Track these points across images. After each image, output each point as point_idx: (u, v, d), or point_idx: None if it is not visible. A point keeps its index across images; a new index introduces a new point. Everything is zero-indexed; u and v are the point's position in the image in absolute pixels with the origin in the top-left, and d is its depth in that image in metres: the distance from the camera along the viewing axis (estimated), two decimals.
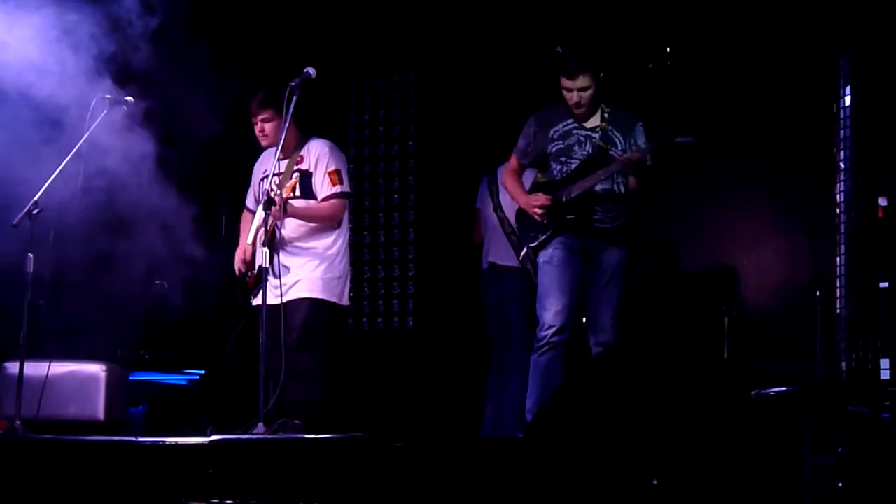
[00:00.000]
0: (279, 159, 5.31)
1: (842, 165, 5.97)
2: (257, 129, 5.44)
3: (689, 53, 7.13)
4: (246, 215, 5.72)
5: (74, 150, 5.03)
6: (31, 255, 4.94)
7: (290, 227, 5.39)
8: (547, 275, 5.14)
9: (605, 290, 5.16)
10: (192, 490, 3.81)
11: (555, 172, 5.22)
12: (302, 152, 5.46)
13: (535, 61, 7.33)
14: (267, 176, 5.26)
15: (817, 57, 6.42)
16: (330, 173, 5.40)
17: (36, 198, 4.95)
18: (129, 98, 5.19)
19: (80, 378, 5.57)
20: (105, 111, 5.11)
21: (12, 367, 5.14)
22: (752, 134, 6.75)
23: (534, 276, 5.38)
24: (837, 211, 5.94)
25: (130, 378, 6.12)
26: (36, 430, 5.04)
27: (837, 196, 5.99)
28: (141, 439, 4.21)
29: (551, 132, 5.23)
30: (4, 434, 4.93)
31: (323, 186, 5.40)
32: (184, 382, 7.01)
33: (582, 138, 5.19)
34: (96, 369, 5.62)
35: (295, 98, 5.08)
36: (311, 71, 5.10)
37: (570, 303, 5.09)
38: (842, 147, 5.99)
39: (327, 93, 7.20)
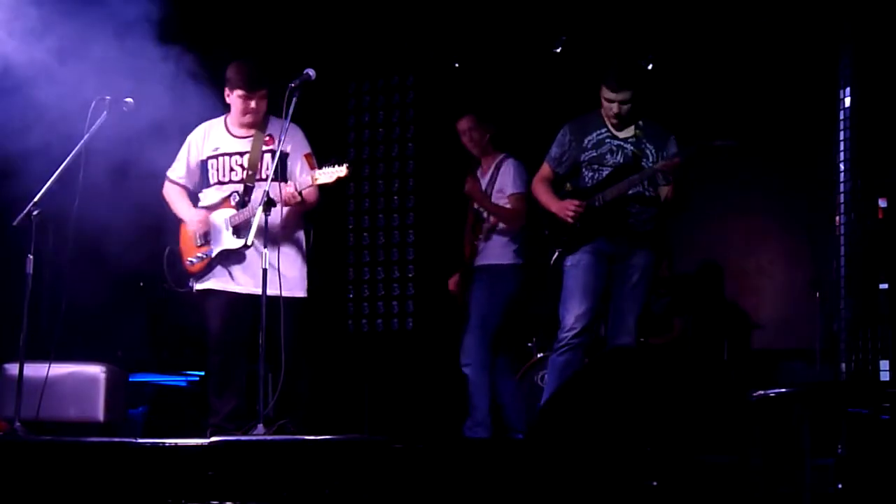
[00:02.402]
0: (235, 136, 5.25)
1: (842, 167, 5.97)
2: (251, 106, 5.23)
3: (690, 54, 7.13)
4: (173, 188, 5.45)
5: (74, 152, 5.03)
6: (30, 257, 4.94)
7: (278, 215, 5.17)
8: (572, 278, 5.23)
9: (632, 292, 5.24)
10: (192, 491, 3.81)
11: (586, 180, 5.29)
12: (269, 131, 5.26)
13: (534, 62, 7.36)
14: (222, 153, 5.23)
15: (817, 58, 6.42)
16: (307, 156, 5.27)
17: (36, 199, 4.96)
18: (129, 99, 5.16)
19: (80, 379, 5.57)
20: (105, 112, 5.10)
21: (12, 369, 5.14)
22: (753, 135, 6.75)
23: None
24: (837, 212, 5.94)
25: (130, 379, 6.12)
26: (36, 431, 5.03)
27: (837, 197, 5.99)
28: (140, 440, 4.21)
29: (585, 141, 5.30)
30: (4, 435, 4.93)
31: (303, 171, 5.23)
32: (183, 384, 7.00)
33: (614, 147, 5.27)
34: (96, 370, 5.62)
35: (295, 99, 5.06)
36: (311, 72, 5.07)
37: (592, 306, 5.18)
38: (842, 148, 5.99)
39: (327, 94, 7.20)
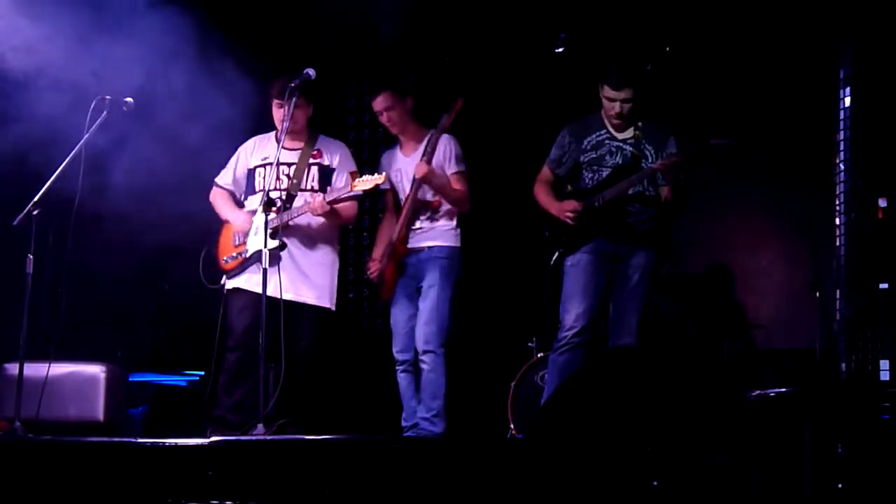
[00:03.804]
0: (286, 148, 5.41)
1: (842, 166, 5.97)
2: (286, 112, 5.34)
3: (689, 54, 7.13)
4: (221, 192, 5.67)
5: (74, 151, 5.03)
6: (30, 257, 4.95)
7: (314, 223, 5.45)
8: (572, 278, 5.27)
9: (633, 292, 5.27)
10: (192, 491, 3.81)
11: (586, 181, 5.34)
12: (318, 146, 5.56)
13: (533, 62, 7.36)
14: (270, 163, 5.37)
15: (817, 58, 6.42)
16: (352, 174, 5.49)
17: (36, 199, 4.96)
18: (129, 99, 5.18)
19: (80, 379, 5.58)
20: (105, 112, 5.11)
21: (12, 368, 5.14)
22: (753, 135, 6.75)
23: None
24: (837, 211, 5.94)
25: (130, 379, 6.13)
26: (36, 431, 5.03)
27: (837, 196, 5.99)
28: (140, 440, 4.21)
29: (585, 142, 5.35)
30: (4, 435, 4.93)
31: (347, 186, 5.42)
32: (183, 383, 7.01)
33: (614, 149, 5.31)
34: (96, 370, 5.63)
35: (294, 99, 5.14)
36: (311, 72, 5.15)
37: (592, 306, 5.22)
38: (841, 148, 5.99)
39: (327, 94, 7.19)
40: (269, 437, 4.63)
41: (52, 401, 5.26)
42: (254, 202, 5.52)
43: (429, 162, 5.53)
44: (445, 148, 5.62)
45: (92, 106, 5.09)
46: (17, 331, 4.90)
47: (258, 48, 6.61)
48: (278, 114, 5.46)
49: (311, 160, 5.52)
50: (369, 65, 7.96)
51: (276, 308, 5.03)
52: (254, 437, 4.61)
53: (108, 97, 5.12)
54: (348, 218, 5.60)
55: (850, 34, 5.97)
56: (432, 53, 7.65)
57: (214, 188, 5.70)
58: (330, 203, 5.33)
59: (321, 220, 5.43)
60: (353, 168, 5.58)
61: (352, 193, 5.36)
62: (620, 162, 5.27)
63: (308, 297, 5.39)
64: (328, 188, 5.49)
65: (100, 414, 5.58)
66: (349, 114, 8.13)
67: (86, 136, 5.05)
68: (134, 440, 4.22)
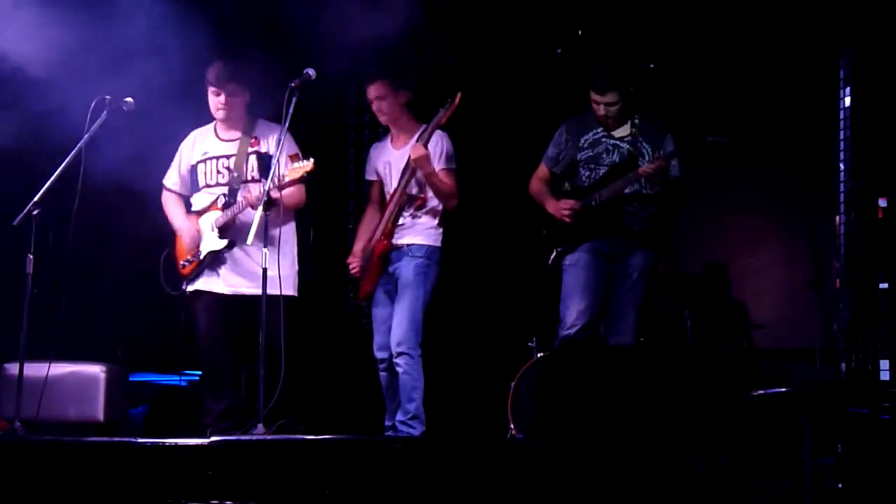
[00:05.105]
0: (224, 140, 5.36)
1: (842, 166, 5.97)
2: (219, 100, 5.32)
3: (689, 54, 7.13)
4: (169, 196, 5.55)
5: (74, 152, 5.03)
6: (30, 257, 4.94)
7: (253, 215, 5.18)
8: (572, 276, 5.29)
9: (630, 292, 5.30)
10: (192, 491, 3.81)
11: (583, 179, 5.35)
12: (256, 133, 5.39)
13: (533, 62, 7.36)
14: (211, 157, 5.33)
15: (817, 58, 6.42)
16: (292, 157, 5.25)
17: (36, 199, 4.95)
18: (129, 99, 5.17)
19: (80, 379, 5.58)
20: (105, 112, 5.10)
21: (12, 368, 5.14)
22: (753, 135, 6.76)
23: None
24: (837, 211, 5.94)
25: (130, 379, 6.12)
26: (36, 431, 5.03)
27: (837, 197, 5.99)
28: (140, 440, 4.21)
29: (582, 140, 5.37)
30: (4, 435, 4.93)
31: (288, 171, 5.20)
32: (183, 384, 7.00)
33: (610, 146, 5.33)
34: (96, 370, 5.62)
35: (295, 99, 5.06)
36: (311, 72, 5.10)
37: (592, 304, 5.24)
38: (841, 148, 5.99)
39: (327, 93, 7.19)
40: (269, 437, 4.63)
41: (52, 401, 5.25)
42: (199, 201, 5.42)
43: (425, 146, 5.37)
44: (437, 144, 5.49)
45: (92, 106, 5.08)
46: (17, 331, 4.90)
47: (260, 46, 6.61)
48: (210, 98, 5.36)
49: (250, 149, 5.35)
50: (369, 64, 7.94)
51: (239, 305, 5.04)
52: (254, 437, 4.60)
53: (107, 97, 5.11)
54: (295, 204, 5.36)
55: (850, 34, 5.97)
56: (431, 54, 7.64)
57: (164, 191, 5.58)
58: (254, 202, 5.10)
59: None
60: (295, 150, 5.29)
61: (286, 181, 5.09)
62: (617, 160, 5.28)
63: (272, 290, 5.00)
64: (272, 176, 5.14)
65: (100, 414, 5.57)
66: (349, 113, 8.11)
67: (86, 137, 5.05)
68: (134, 440, 4.22)
